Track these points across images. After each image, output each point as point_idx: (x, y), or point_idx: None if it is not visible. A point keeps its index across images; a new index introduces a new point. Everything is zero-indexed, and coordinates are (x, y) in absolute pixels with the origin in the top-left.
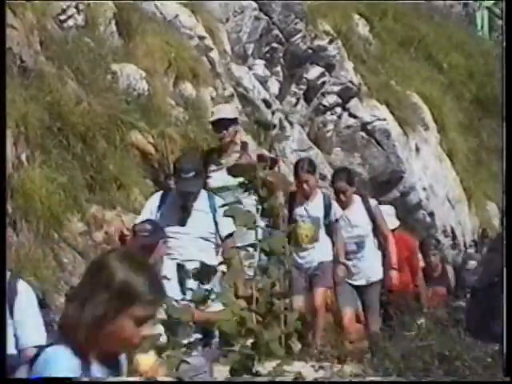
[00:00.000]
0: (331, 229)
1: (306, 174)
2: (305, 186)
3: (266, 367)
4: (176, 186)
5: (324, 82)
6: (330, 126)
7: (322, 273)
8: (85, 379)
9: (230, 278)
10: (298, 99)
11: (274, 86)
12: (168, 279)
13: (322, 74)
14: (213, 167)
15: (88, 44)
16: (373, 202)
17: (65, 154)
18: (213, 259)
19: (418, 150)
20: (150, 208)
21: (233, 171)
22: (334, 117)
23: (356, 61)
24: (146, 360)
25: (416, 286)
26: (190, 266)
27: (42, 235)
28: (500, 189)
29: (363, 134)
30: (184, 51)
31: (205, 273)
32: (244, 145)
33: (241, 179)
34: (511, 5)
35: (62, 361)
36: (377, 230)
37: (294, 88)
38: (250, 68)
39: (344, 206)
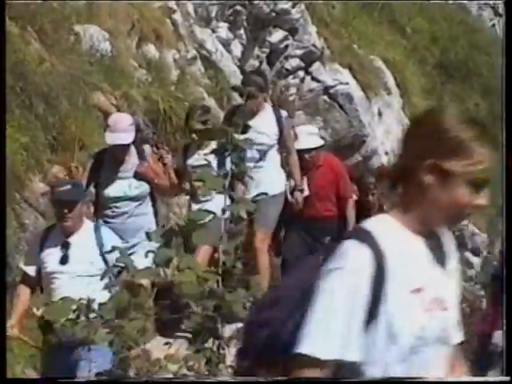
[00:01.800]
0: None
1: None
2: None
3: (227, 330)
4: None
5: (287, 46)
6: (293, 90)
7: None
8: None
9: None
10: (260, 62)
11: (237, 48)
12: None
13: (285, 38)
14: (111, 175)
15: (51, 4)
16: (284, 112)
17: (27, 114)
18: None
19: (380, 114)
20: (34, 247)
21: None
22: (297, 80)
23: (319, 24)
24: None
25: (343, 214)
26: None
27: None
28: None
29: (326, 97)
30: (147, 12)
31: (169, 235)
32: (141, 152)
33: (143, 188)
34: (511, 5)
35: None
36: (282, 142)
37: (256, 51)
38: (213, 30)
39: (253, 112)
